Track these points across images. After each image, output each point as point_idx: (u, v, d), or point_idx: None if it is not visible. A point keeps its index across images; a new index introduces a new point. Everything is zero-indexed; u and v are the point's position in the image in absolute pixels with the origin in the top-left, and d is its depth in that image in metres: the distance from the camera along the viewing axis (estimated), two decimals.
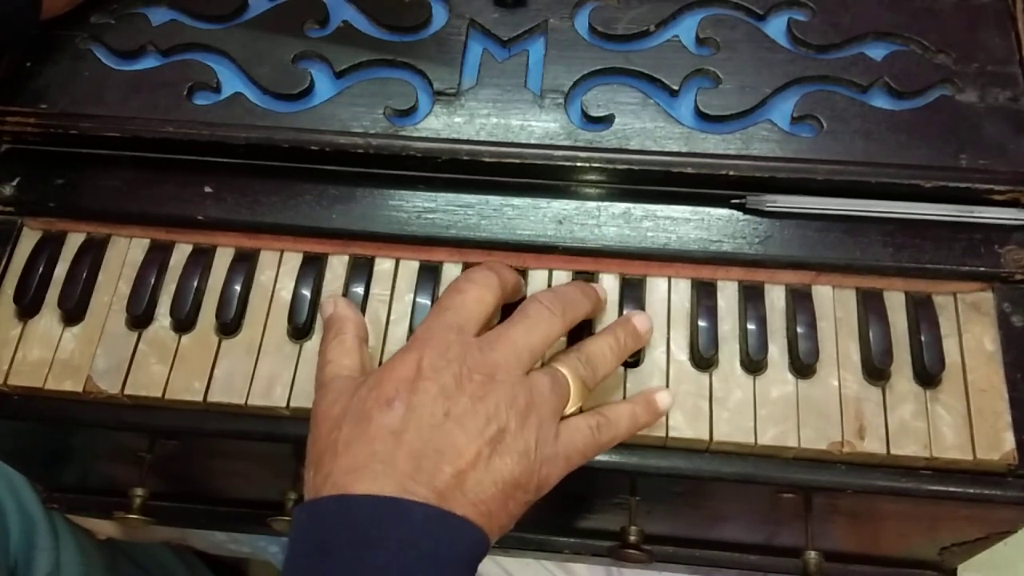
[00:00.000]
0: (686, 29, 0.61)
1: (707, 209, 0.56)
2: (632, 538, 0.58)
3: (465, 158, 0.57)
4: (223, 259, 0.57)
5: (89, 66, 0.62)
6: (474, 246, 0.56)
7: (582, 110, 0.58)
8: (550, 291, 0.51)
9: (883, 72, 0.59)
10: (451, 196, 0.57)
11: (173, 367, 0.55)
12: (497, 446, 0.44)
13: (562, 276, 0.56)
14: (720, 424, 0.52)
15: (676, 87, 0.59)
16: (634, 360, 0.54)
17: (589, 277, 0.56)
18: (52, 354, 0.55)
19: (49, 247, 0.58)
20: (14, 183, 0.59)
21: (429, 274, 0.56)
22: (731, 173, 0.56)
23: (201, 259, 0.57)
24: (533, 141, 0.57)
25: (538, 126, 0.58)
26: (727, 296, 0.55)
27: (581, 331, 0.53)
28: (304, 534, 0.43)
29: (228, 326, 0.55)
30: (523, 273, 0.56)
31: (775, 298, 0.55)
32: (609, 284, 0.56)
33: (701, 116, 0.58)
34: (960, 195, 0.55)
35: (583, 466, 0.48)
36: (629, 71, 0.60)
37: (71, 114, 0.59)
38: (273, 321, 0.56)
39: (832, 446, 0.51)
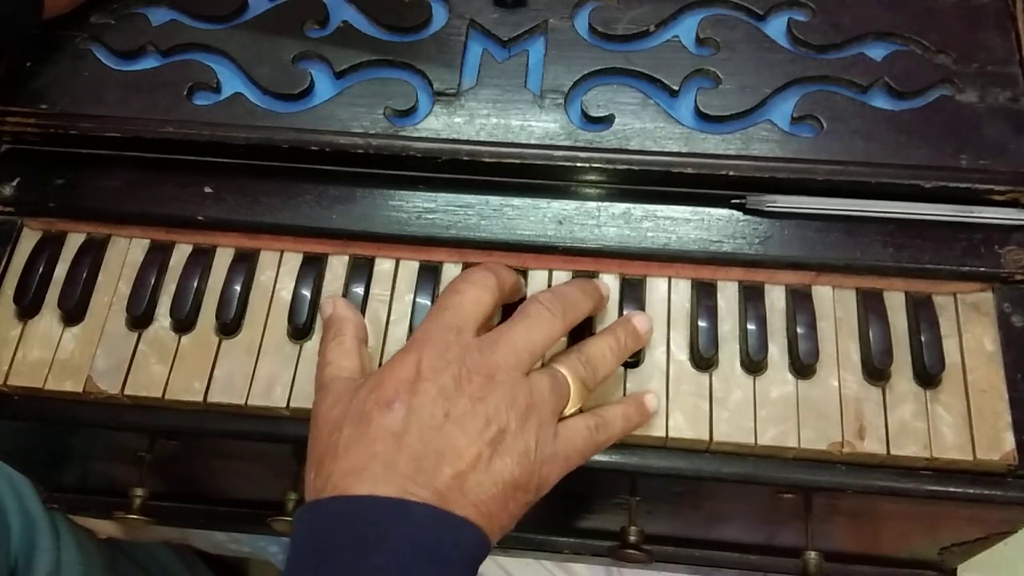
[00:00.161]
0: (686, 29, 0.61)
1: (707, 209, 0.56)
2: (632, 538, 0.58)
3: (465, 158, 0.57)
4: (223, 259, 0.57)
5: (89, 66, 0.61)
6: (474, 246, 0.56)
7: (582, 110, 0.58)
8: (550, 291, 0.51)
9: (883, 72, 0.59)
10: (451, 196, 0.57)
11: (173, 367, 0.55)
12: (497, 447, 0.44)
13: (562, 276, 0.56)
14: (720, 424, 0.52)
15: (676, 87, 0.59)
16: (634, 360, 0.54)
17: (589, 277, 0.56)
18: (52, 354, 0.55)
19: (49, 247, 0.58)
20: (14, 183, 0.59)
21: (429, 274, 0.56)
22: (731, 173, 0.56)
23: (201, 259, 0.57)
24: (533, 141, 0.57)
25: (538, 126, 0.58)
26: (727, 296, 0.55)
27: (582, 331, 0.53)
28: (305, 536, 0.43)
29: (228, 326, 0.55)
30: (523, 273, 0.56)
31: (775, 298, 0.55)
32: (609, 284, 0.56)
33: (701, 116, 0.58)
34: (960, 195, 0.55)
35: (583, 466, 0.48)
36: (629, 71, 0.60)
37: (71, 114, 0.59)
38: (273, 321, 0.56)
39: (832, 446, 0.51)
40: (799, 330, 0.53)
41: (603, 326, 0.53)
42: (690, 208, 0.57)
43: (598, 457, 0.52)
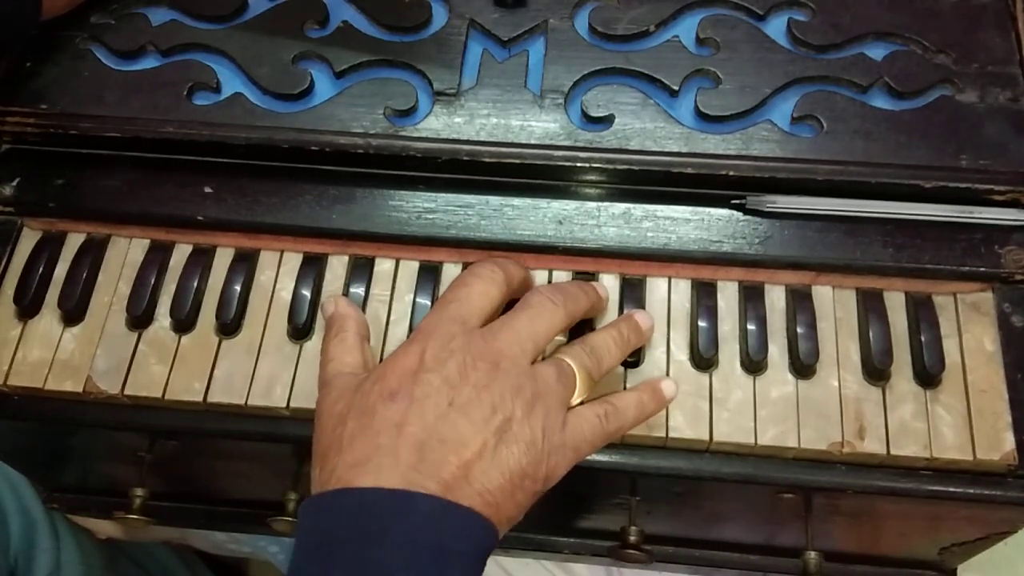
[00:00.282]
0: (686, 29, 0.61)
1: (707, 209, 0.56)
2: (632, 538, 0.58)
3: (465, 158, 0.57)
4: (223, 259, 0.57)
5: (89, 66, 0.62)
6: (474, 246, 0.56)
7: (582, 110, 0.58)
8: (551, 285, 0.51)
9: (883, 72, 0.59)
10: (451, 196, 0.57)
11: (173, 367, 0.55)
12: (503, 435, 0.43)
13: (562, 276, 0.56)
14: (720, 424, 0.52)
15: (676, 87, 0.59)
16: (634, 360, 0.54)
17: (589, 277, 0.56)
18: (52, 354, 0.55)
19: (49, 247, 0.58)
20: (14, 183, 0.59)
21: (429, 274, 0.56)
22: (731, 173, 0.56)
23: (201, 259, 0.57)
24: (533, 141, 0.57)
25: (538, 126, 0.58)
26: (727, 296, 0.55)
27: (581, 332, 0.53)
28: (309, 529, 0.42)
29: (228, 326, 0.55)
30: None
31: (775, 298, 0.55)
32: (609, 284, 0.56)
33: (701, 116, 0.58)
34: (960, 195, 0.55)
35: (583, 466, 0.48)
36: (629, 71, 0.60)
37: (71, 114, 0.59)
38: (273, 321, 0.56)
39: (832, 446, 0.51)
40: (799, 330, 0.53)
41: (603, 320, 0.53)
42: (690, 208, 0.57)
43: (598, 457, 0.52)
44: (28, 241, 0.59)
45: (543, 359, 0.49)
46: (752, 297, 0.55)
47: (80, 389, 0.54)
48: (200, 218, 0.57)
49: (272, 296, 0.56)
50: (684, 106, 0.59)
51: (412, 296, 0.56)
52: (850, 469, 0.52)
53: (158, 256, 0.57)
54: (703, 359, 0.53)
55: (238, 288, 0.56)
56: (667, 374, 0.53)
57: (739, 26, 0.61)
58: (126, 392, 0.54)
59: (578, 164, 0.56)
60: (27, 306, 0.56)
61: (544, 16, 0.62)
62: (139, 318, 0.56)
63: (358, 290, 0.56)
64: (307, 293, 0.56)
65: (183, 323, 0.55)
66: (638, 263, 0.56)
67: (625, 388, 0.53)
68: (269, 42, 0.62)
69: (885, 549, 0.66)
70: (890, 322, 0.54)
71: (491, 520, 0.42)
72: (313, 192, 0.58)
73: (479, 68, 0.60)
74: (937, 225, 0.55)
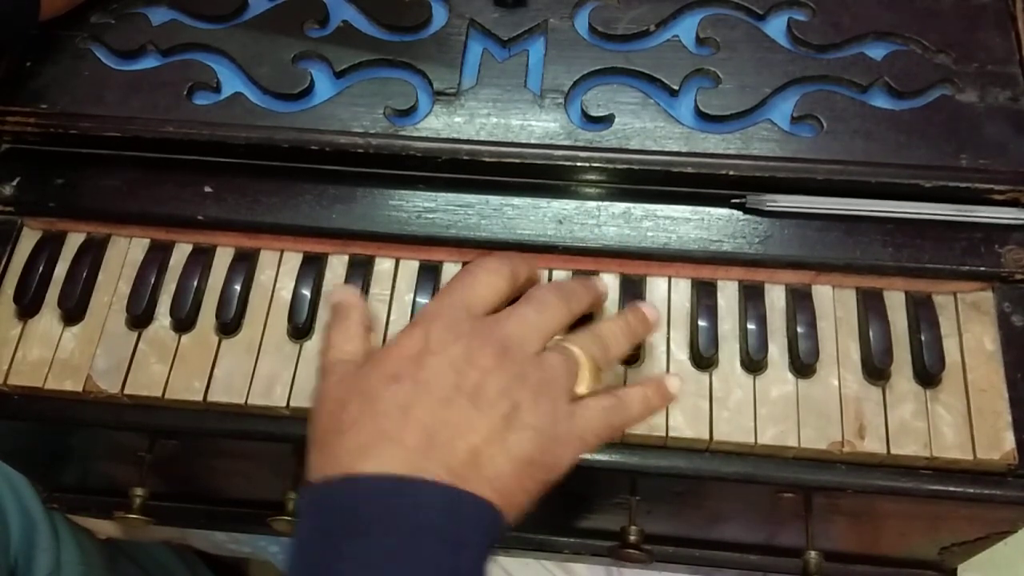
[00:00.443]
0: (686, 29, 0.61)
1: (707, 209, 0.56)
2: (632, 538, 0.58)
3: (465, 158, 0.57)
4: (223, 259, 0.57)
5: (89, 66, 0.62)
6: (474, 246, 0.56)
7: (582, 110, 0.58)
8: (554, 282, 0.51)
9: (883, 72, 0.59)
10: (451, 196, 0.57)
11: (173, 367, 0.55)
12: (512, 422, 0.42)
13: (562, 276, 0.56)
14: (720, 424, 0.52)
15: (676, 87, 0.59)
16: (634, 356, 0.54)
17: (589, 277, 0.56)
18: (52, 354, 0.55)
19: (49, 247, 0.58)
20: (14, 183, 0.59)
21: (429, 274, 0.56)
22: (731, 173, 0.56)
23: (201, 259, 0.57)
24: (533, 141, 0.57)
25: (538, 126, 0.58)
26: (727, 296, 0.55)
27: (578, 328, 0.53)
28: (311, 519, 0.41)
29: (228, 326, 0.55)
30: None
31: (775, 298, 0.55)
32: (609, 284, 0.56)
33: (701, 116, 0.58)
34: (960, 195, 0.55)
35: (583, 466, 0.48)
36: (629, 71, 0.60)
37: (71, 114, 0.59)
38: (273, 321, 0.56)
39: (832, 446, 0.51)
40: (799, 329, 0.53)
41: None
42: (690, 208, 0.57)
43: (598, 456, 0.52)
44: (28, 241, 0.59)
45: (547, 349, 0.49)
46: (752, 296, 0.55)
47: (80, 389, 0.54)
48: (200, 218, 0.57)
49: (272, 296, 0.56)
50: (684, 106, 0.59)
51: (412, 295, 0.56)
52: (850, 469, 0.52)
53: (158, 256, 0.57)
54: (703, 358, 0.53)
55: (238, 288, 0.56)
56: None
57: (739, 26, 0.61)
58: (126, 391, 0.54)
59: (578, 164, 0.56)
60: (27, 305, 0.56)
61: (544, 16, 0.62)
62: (139, 317, 0.56)
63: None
64: (307, 292, 0.56)
65: (183, 322, 0.55)
66: (638, 262, 0.56)
67: (625, 385, 0.53)
68: (269, 42, 0.62)
69: (885, 549, 0.66)
70: (890, 321, 0.54)
71: (500, 507, 0.41)
72: (313, 192, 0.58)
73: (479, 68, 0.60)
74: (937, 224, 0.55)
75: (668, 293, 0.56)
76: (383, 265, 0.57)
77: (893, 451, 0.51)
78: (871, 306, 0.54)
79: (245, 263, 0.57)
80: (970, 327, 0.54)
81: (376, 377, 0.43)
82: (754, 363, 0.53)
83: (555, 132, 0.58)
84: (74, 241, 0.58)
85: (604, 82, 0.60)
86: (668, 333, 0.54)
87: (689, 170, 0.56)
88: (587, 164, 0.56)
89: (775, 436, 0.52)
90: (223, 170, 0.59)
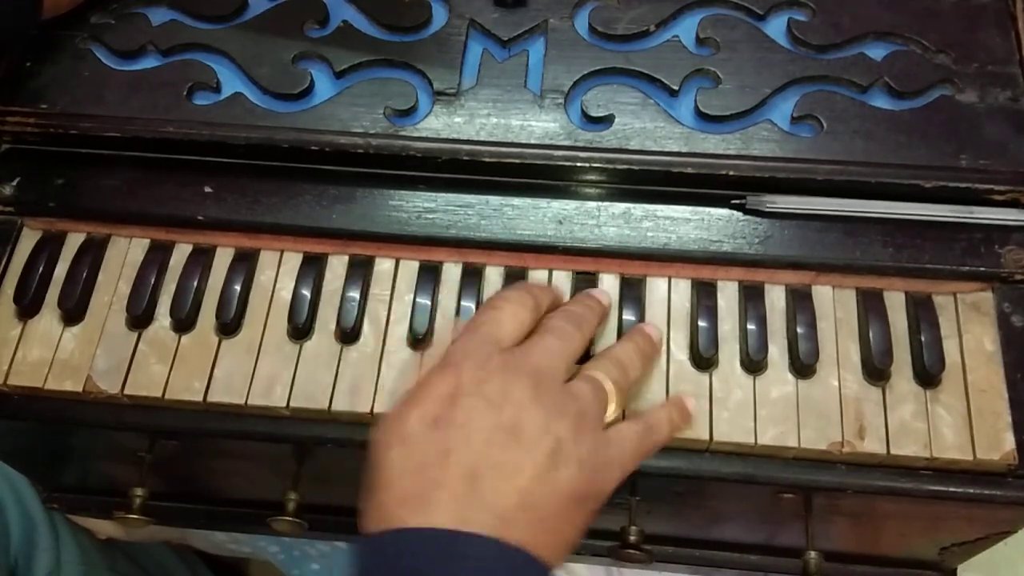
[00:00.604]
0: (686, 29, 0.61)
1: (707, 209, 0.56)
2: (632, 538, 0.58)
3: (465, 158, 0.57)
4: (223, 259, 0.57)
5: (89, 66, 0.62)
6: (474, 246, 0.56)
7: (582, 110, 0.58)
8: (561, 310, 0.50)
9: (883, 72, 0.59)
10: (451, 196, 0.57)
11: (173, 367, 0.55)
12: (557, 458, 0.41)
13: (562, 276, 0.56)
14: (720, 424, 0.52)
15: (676, 87, 0.59)
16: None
17: (589, 277, 0.56)
18: (52, 354, 0.55)
19: (49, 247, 0.58)
20: (14, 183, 0.59)
21: (429, 274, 0.56)
22: (731, 173, 0.56)
23: (201, 259, 0.57)
24: (533, 141, 0.57)
25: (538, 126, 0.58)
26: (727, 296, 0.55)
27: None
28: (362, 573, 0.40)
29: (228, 326, 0.55)
30: (523, 273, 0.56)
31: (775, 298, 0.55)
32: (609, 284, 0.56)
33: (701, 116, 0.58)
34: (960, 195, 0.55)
35: None
36: (629, 71, 0.60)
37: (71, 114, 0.59)
38: (273, 321, 0.56)
39: (832, 446, 0.51)
40: (799, 330, 0.53)
41: (606, 327, 0.54)
42: (690, 208, 0.57)
43: None
44: (28, 241, 0.58)
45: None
46: (752, 297, 0.55)
47: (80, 389, 0.54)
48: (200, 218, 0.57)
49: (272, 296, 0.56)
50: (684, 106, 0.59)
51: (412, 296, 0.56)
52: (850, 469, 0.52)
53: (158, 256, 0.57)
54: (703, 359, 0.53)
55: (238, 288, 0.56)
56: (667, 374, 0.53)
57: (739, 26, 0.61)
58: (126, 392, 0.54)
59: (578, 164, 0.56)
60: (27, 306, 0.56)
61: (544, 16, 0.62)
62: (139, 318, 0.56)
63: (355, 293, 0.56)
64: (307, 293, 0.56)
65: (183, 323, 0.55)
66: (638, 263, 0.56)
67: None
68: (269, 42, 0.62)
69: (885, 549, 0.66)
70: (890, 322, 0.54)
71: (546, 556, 0.40)
72: (313, 192, 0.58)
73: (479, 68, 0.60)
74: (937, 225, 0.55)
75: (668, 293, 0.56)
76: (383, 265, 0.57)
77: (893, 451, 0.51)
78: (871, 306, 0.54)
79: (245, 263, 0.57)
80: (970, 328, 0.54)
81: (414, 422, 0.42)
82: (754, 364, 0.53)
83: (555, 132, 0.58)
84: (74, 241, 0.58)
85: (604, 82, 0.60)
86: (668, 334, 0.54)
87: (689, 170, 0.56)
88: (587, 164, 0.56)
89: (775, 436, 0.52)
90: (223, 170, 0.59)
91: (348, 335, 0.55)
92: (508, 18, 0.62)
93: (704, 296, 0.55)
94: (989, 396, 0.52)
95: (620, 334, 0.54)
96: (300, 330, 0.55)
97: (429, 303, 0.55)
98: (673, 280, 0.56)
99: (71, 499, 0.74)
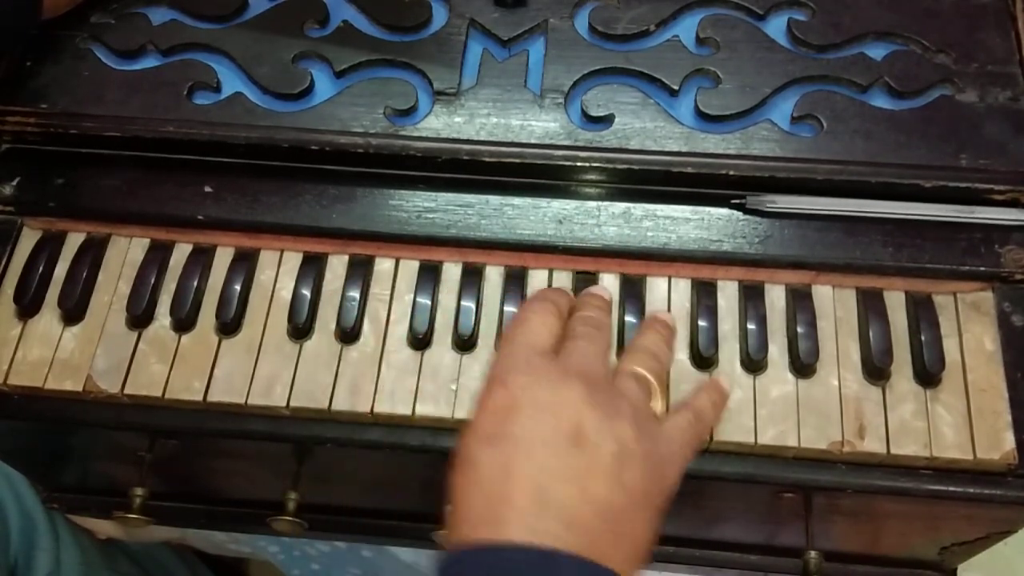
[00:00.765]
0: (686, 29, 0.61)
1: (707, 209, 0.56)
2: None
3: (465, 158, 0.57)
4: (223, 259, 0.57)
5: (89, 66, 0.62)
6: (474, 245, 0.56)
7: (582, 110, 0.58)
8: (577, 317, 0.49)
9: (883, 72, 0.59)
10: (451, 196, 0.57)
11: (173, 367, 0.55)
12: (622, 458, 0.40)
13: (562, 276, 0.56)
14: (720, 424, 0.52)
15: (676, 87, 0.59)
16: None
17: (589, 277, 0.56)
18: (52, 354, 0.55)
19: (49, 247, 0.58)
20: (14, 183, 0.59)
21: (429, 274, 0.56)
22: (731, 173, 0.56)
23: (201, 259, 0.57)
24: (533, 141, 0.58)
25: (538, 126, 0.58)
26: (727, 296, 0.55)
27: None
28: None
29: (228, 326, 0.55)
30: (523, 273, 0.56)
31: (775, 298, 0.55)
32: (609, 283, 0.56)
33: (701, 116, 0.58)
34: (960, 195, 0.55)
35: None
36: (629, 71, 0.60)
37: (71, 114, 0.59)
38: (273, 321, 0.56)
39: (832, 446, 0.51)
40: (799, 329, 0.53)
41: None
42: (690, 208, 0.57)
43: None
44: (28, 240, 0.59)
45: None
46: (752, 296, 0.55)
47: (80, 388, 0.54)
48: (200, 217, 0.57)
49: (272, 295, 0.56)
50: (684, 106, 0.59)
51: (412, 296, 0.56)
52: (850, 468, 0.52)
53: (158, 255, 0.57)
54: (703, 358, 0.53)
55: (238, 287, 0.56)
56: (667, 374, 0.53)
57: (739, 26, 0.61)
58: (126, 391, 0.54)
59: (578, 164, 0.56)
60: (27, 305, 0.56)
61: (544, 16, 0.62)
62: (139, 317, 0.56)
63: (355, 292, 0.56)
64: (307, 292, 0.56)
65: (183, 322, 0.55)
66: (638, 262, 0.56)
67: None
68: (269, 42, 0.62)
69: (885, 549, 0.66)
70: (890, 321, 0.54)
71: (628, 573, 0.39)
72: (313, 191, 0.58)
73: (479, 68, 0.60)
74: (937, 225, 0.55)
75: (668, 293, 0.56)
76: (383, 265, 0.57)
77: (893, 451, 0.51)
78: (871, 306, 0.54)
79: (245, 263, 0.57)
80: (970, 327, 0.54)
81: (471, 443, 0.41)
82: (754, 363, 0.53)
83: (555, 132, 0.58)
84: (74, 241, 0.58)
85: (604, 82, 0.60)
86: None
87: (689, 170, 0.56)
88: (587, 164, 0.56)
89: (775, 436, 0.52)
90: (223, 170, 0.59)
91: (348, 335, 0.55)
92: (508, 18, 0.62)
93: (704, 296, 0.55)
94: (989, 395, 0.52)
95: (620, 334, 0.54)
96: (300, 330, 0.55)
97: (429, 303, 0.55)
98: (673, 280, 0.56)
99: (71, 499, 0.74)
